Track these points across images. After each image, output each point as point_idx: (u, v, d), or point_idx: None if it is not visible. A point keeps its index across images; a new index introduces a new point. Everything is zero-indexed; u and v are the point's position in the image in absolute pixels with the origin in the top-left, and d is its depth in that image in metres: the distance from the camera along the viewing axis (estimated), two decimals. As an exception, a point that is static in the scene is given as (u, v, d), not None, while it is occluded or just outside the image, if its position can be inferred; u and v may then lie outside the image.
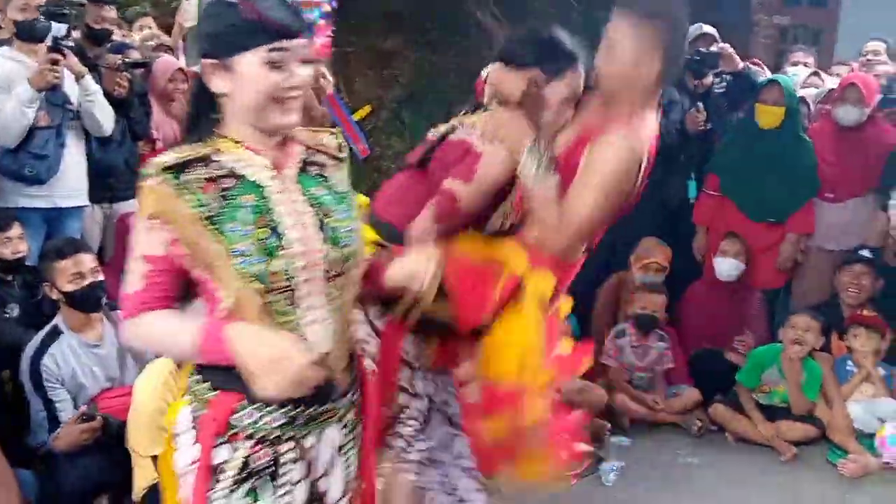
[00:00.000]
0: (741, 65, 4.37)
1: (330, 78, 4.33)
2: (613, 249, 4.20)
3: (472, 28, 4.98)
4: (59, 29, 3.55)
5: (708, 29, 4.36)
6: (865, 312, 3.88)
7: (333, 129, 1.61)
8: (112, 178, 4.00)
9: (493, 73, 2.16)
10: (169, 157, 1.41)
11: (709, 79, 4.33)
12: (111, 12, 4.26)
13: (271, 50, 1.38)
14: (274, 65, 1.39)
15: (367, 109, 5.10)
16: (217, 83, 1.41)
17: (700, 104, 4.22)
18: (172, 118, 4.26)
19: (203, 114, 1.47)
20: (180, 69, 4.35)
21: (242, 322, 1.40)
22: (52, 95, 3.58)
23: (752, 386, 3.81)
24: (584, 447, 3.37)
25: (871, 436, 3.67)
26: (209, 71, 1.41)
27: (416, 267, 1.58)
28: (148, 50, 4.70)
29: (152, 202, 1.39)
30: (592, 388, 3.85)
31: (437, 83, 5.06)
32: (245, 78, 1.39)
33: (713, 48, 4.31)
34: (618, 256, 4.19)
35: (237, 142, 1.45)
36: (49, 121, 3.58)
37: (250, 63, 1.38)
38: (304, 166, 1.53)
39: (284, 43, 1.39)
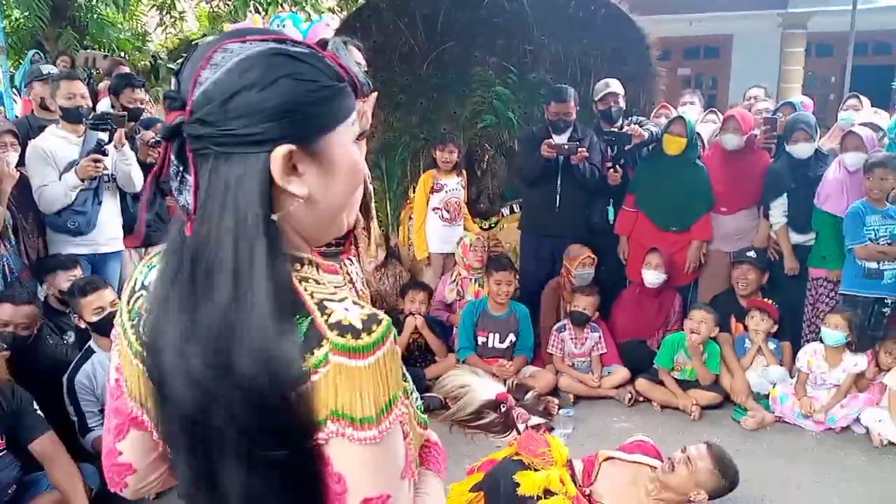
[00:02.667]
0: (647, 135, 4.48)
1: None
2: (553, 261, 4.46)
3: (429, 94, 5.30)
4: (102, 136, 3.73)
5: (613, 87, 4.54)
6: (762, 299, 4.10)
7: None
8: (146, 228, 4.20)
9: None
10: (353, 302, 0.81)
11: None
12: (142, 94, 4.47)
13: (356, 120, 0.86)
14: (359, 139, 0.87)
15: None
16: (297, 182, 0.80)
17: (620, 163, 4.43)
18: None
19: (273, 231, 0.79)
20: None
21: None
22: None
23: (668, 367, 4.00)
24: (538, 420, 3.62)
25: (766, 396, 3.90)
26: (285, 164, 0.78)
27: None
28: None
29: (396, 378, 0.80)
30: (543, 372, 4.10)
31: (404, 136, 5.35)
32: (339, 164, 0.83)
33: (625, 129, 4.47)
34: (556, 267, 4.42)
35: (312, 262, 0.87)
36: (88, 184, 3.75)
37: (345, 141, 0.84)
38: None
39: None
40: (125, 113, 3.96)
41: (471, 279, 4.55)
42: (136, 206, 4.09)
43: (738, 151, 4.33)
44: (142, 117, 4.25)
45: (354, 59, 0.86)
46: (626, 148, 4.49)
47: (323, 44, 0.86)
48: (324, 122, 0.81)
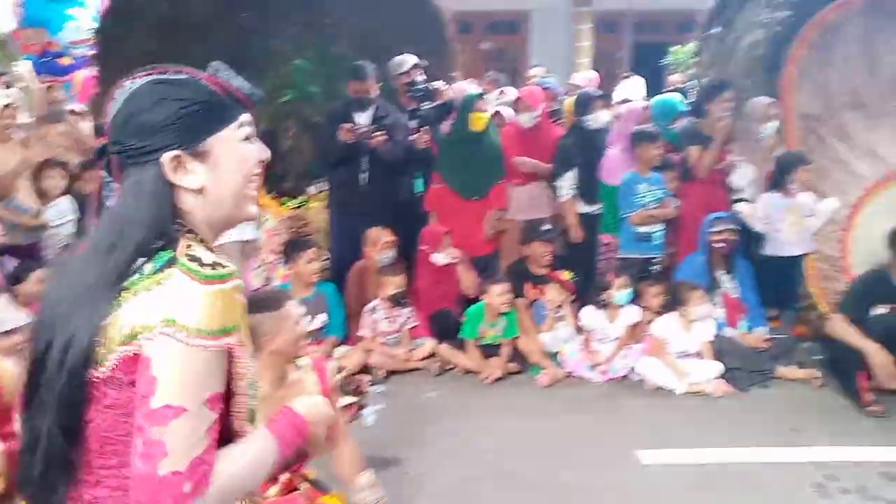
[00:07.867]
0: (451, 94, 4.73)
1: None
2: (353, 243, 4.45)
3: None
4: None
5: (413, 59, 4.67)
6: (558, 273, 4.37)
7: None
8: None
9: None
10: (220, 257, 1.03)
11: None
12: None
13: (243, 124, 1.10)
14: (248, 139, 1.10)
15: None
16: (188, 178, 1.04)
17: (425, 128, 4.54)
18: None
19: (167, 220, 1.04)
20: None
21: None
22: None
23: (473, 336, 4.19)
24: (348, 399, 3.65)
25: (557, 354, 4.21)
26: (174, 165, 1.03)
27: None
28: None
29: (238, 311, 1.00)
30: (353, 351, 4.12)
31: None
32: (225, 161, 1.07)
33: (430, 85, 4.67)
34: (359, 248, 4.43)
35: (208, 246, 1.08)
36: None
37: (228, 142, 1.07)
38: None
39: (250, 114, 1.12)
40: None
41: (278, 262, 4.45)
42: None
43: (532, 127, 4.64)
44: None
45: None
46: (432, 104, 4.62)
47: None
48: (202, 129, 1.05)
